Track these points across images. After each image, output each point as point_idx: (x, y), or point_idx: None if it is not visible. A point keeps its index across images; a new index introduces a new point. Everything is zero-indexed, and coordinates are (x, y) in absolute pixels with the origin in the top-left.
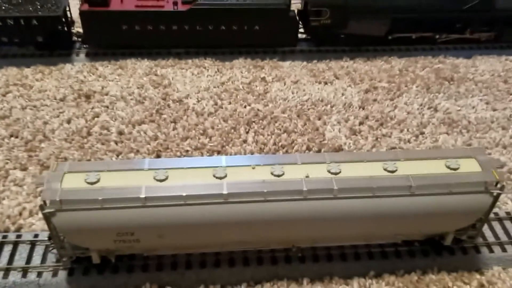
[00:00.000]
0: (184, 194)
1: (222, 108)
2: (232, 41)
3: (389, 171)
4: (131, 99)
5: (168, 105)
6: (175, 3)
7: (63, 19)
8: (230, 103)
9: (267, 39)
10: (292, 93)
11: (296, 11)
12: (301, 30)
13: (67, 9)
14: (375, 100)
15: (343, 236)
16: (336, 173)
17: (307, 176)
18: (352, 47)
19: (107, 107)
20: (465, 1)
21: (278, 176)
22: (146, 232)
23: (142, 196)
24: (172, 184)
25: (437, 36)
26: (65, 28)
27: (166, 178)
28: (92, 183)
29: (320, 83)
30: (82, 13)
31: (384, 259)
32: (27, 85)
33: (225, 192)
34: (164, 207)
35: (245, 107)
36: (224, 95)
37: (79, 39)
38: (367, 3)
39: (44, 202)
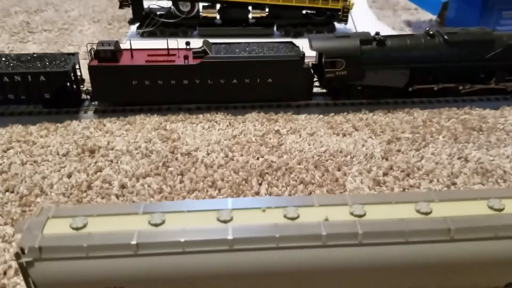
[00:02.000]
0: (182, 240)
1: (233, 160)
2: (245, 95)
3: (422, 213)
4: (137, 153)
5: (176, 158)
6: (186, 57)
7: (71, 75)
8: (241, 155)
9: (281, 92)
10: (309, 144)
11: (310, 64)
12: (316, 84)
13: (77, 66)
14: (399, 150)
15: None
16: (360, 216)
17: (326, 219)
18: (370, 100)
19: (111, 161)
20: (488, 49)
21: (292, 219)
22: (138, 285)
23: (134, 242)
24: (169, 229)
25: (461, 87)
26: (74, 85)
27: (163, 222)
28: (77, 229)
29: (338, 134)
30: (91, 68)
31: None
32: (30, 141)
33: (230, 237)
34: (159, 256)
35: (257, 158)
36: (235, 148)
37: (88, 96)
38: (384, 53)
39: (22, 249)
